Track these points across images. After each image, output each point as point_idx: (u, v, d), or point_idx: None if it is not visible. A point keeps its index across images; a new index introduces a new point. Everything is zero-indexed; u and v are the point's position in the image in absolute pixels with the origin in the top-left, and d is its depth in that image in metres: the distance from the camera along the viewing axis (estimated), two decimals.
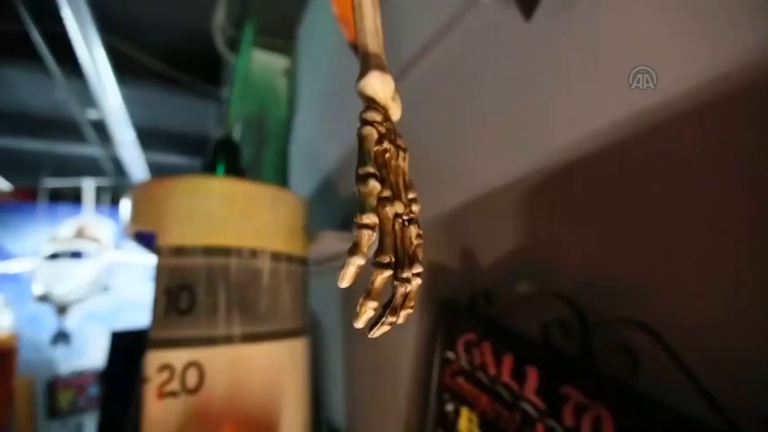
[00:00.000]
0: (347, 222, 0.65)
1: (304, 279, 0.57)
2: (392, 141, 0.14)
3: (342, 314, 0.69)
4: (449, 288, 0.42)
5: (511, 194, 0.35)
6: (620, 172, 0.27)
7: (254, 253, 0.50)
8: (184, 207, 0.48)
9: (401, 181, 0.14)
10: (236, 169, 0.62)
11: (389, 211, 0.13)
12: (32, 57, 1.51)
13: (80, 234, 1.96)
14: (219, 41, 1.26)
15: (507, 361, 0.34)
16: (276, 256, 0.52)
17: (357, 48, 0.15)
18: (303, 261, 0.57)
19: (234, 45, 1.28)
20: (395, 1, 0.54)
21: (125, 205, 0.54)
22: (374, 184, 0.12)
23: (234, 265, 0.48)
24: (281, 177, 1.21)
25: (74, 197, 2.36)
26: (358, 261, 0.11)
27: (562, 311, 0.30)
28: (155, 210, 0.49)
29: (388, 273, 0.12)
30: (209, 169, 0.62)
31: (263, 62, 1.24)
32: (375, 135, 0.13)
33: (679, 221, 0.24)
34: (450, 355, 0.40)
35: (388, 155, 0.14)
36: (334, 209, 0.72)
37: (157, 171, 2.35)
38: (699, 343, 0.23)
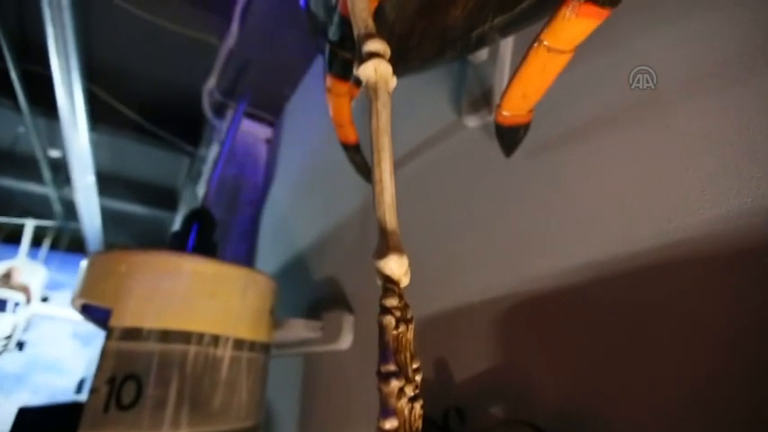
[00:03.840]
0: (315, 308, 0.63)
1: (264, 369, 0.53)
2: (405, 320, 0.15)
3: (298, 405, 0.64)
4: None
5: (488, 312, 0.36)
6: (599, 307, 0.29)
7: (216, 339, 0.47)
8: (148, 285, 0.45)
9: (409, 355, 0.14)
10: (208, 243, 0.61)
11: (404, 402, 0.13)
12: (2, 91, 1.47)
13: (7, 279, 1.76)
14: (206, 105, 1.30)
15: None
16: (239, 344, 0.49)
17: (377, 219, 0.16)
18: (266, 349, 0.54)
19: (220, 110, 1.32)
20: None
21: (78, 273, 0.51)
22: (396, 384, 0.13)
23: (192, 353, 0.45)
24: (248, 245, 1.18)
25: (9, 237, 2.16)
26: None
27: None
28: (113, 285, 0.46)
29: None
30: (181, 239, 0.60)
31: (247, 129, 1.28)
32: (393, 323, 0.14)
33: (660, 362, 0.25)
34: None
35: (401, 335, 0.14)
36: (302, 290, 0.70)
37: (112, 217, 2.23)
38: None
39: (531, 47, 0.25)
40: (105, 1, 1.06)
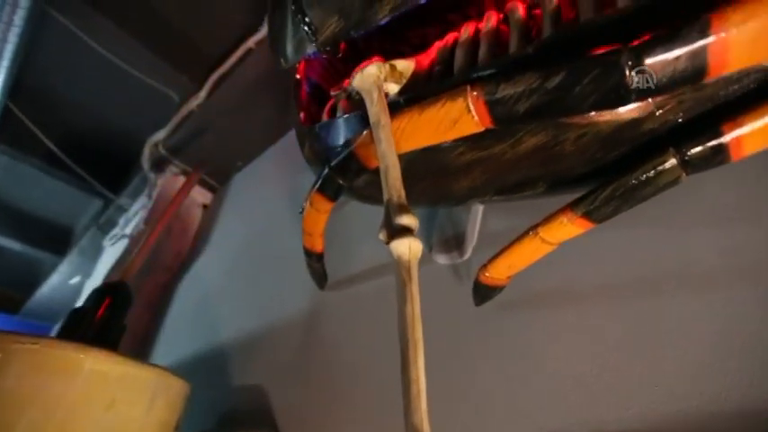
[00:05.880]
0: (230, 421, 0.54)
1: None
2: None
3: None
4: None
5: None
6: None
7: None
8: (28, 387, 0.36)
9: None
10: (117, 329, 0.51)
11: None
12: None
13: None
14: (146, 156, 1.21)
15: None
16: None
17: (412, 426, 0.15)
18: None
19: (160, 165, 1.24)
20: (346, 212, 0.61)
21: None
22: None
23: None
24: (151, 315, 1.02)
25: None
26: None
27: None
28: None
29: None
30: (83, 320, 0.49)
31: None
32: None
33: None
34: None
35: None
36: (216, 393, 0.61)
37: None
38: None
39: (526, 234, 0.28)
40: (69, 34, 0.99)
